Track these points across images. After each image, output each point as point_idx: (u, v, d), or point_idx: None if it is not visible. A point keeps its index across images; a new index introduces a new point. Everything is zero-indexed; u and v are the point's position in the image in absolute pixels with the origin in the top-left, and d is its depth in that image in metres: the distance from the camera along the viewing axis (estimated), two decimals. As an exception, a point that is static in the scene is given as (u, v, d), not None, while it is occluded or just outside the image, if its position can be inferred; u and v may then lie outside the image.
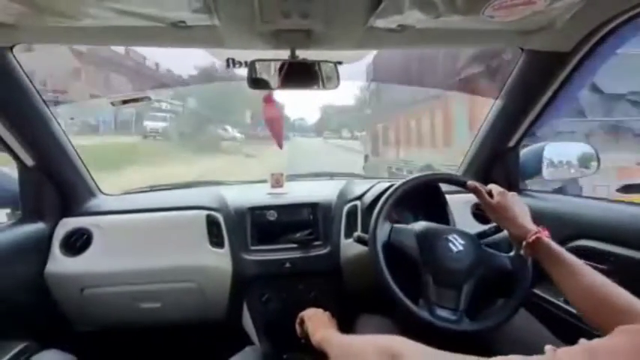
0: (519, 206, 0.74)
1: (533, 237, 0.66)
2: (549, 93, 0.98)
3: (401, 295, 0.75)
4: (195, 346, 1.30)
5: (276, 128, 1.09)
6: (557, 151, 1.15)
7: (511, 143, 1.15)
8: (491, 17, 0.74)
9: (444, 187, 1.09)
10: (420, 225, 0.84)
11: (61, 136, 1.03)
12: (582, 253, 0.87)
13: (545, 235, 0.67)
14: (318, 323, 0.76)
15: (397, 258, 0.78)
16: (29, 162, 1.00)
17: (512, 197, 0.75)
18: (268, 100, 1.03)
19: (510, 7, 0.70)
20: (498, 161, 1.19)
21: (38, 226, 1.03)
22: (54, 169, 1.06)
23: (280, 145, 1.14)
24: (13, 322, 0.89)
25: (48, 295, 1.03)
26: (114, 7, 0.66)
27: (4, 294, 0.87)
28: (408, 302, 0.75)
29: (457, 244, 0.80)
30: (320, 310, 0.83)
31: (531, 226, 0.70)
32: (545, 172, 1.13)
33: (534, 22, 0.80)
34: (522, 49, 0.95)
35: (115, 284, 1.06)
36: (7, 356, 0.85)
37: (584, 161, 1.15)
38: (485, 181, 0.84)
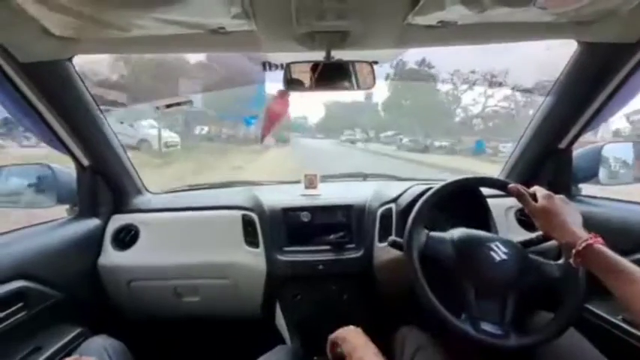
0: (568, 211, 0.67)
1: (584, 244, 0.60)
2: (609, 89, 0.89)
3: (442, 309, 0.71)
4: (231, 341, 1.34)
5: (273, 124, 1.09)
6: (618, 151, 1.04)
7: (562, 144, 1.06)
8: (544, 8, 0.68)
9: (485, 191, 1.03)
10: (459, 232, 0.80)
11: (112, 138, 1.11)
12: None
13: (598, 243, 0.60)
14: (355, 344, 0.72)
15: (435, 268, 0.74)
16: (85, 162, 1.09)
17: (560, 201, 0.68)
18: (284, 95, 1.03)
19: (566, -4, 0.64)
20: (547, 163, 1.11)
21: (93, 222, 1.13)
22: (107, 169, 1.14)
23: (262, 138, 1.15)
24: (70, 310, 0.98)
25: (100, 285, 1.12)
26: (159, 17, 0.70)
27: (62, 282, 0.95)
28: (450, 316, 0.71)
29: (500, 252, 0.74)
30: (352, 328, 0.79)
31: (582, 233, 0.63)
32: (602, 175, 1.03)
33: (594, 12, 0.73)
34: (578, 42, 0.87)
35: (158, 278, 1.13)
36: (64, 340, 0.93)
37: None
38: (532, 185, 0.78)
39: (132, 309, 1.22)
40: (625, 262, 0.57)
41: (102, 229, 1.14)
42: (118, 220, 1.16)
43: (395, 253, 0.94)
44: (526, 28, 0.78)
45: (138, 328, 1.21)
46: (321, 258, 1.12)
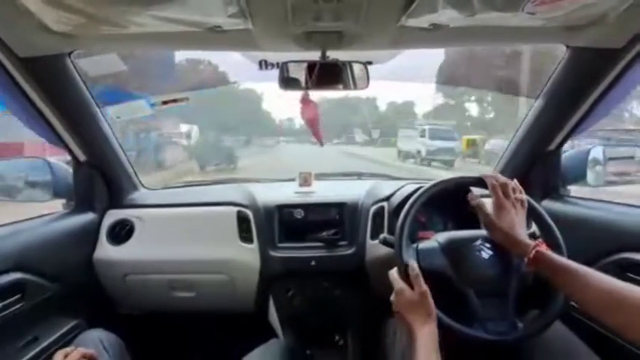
0: (519, 221, 0.72)
1: (534, 252, 0.65)
2: (597, 93, 0.91)
3: (452, 322, 0.71)
4: (225, 335, 1.36)
5: (316, 127, 1.12)
6: (605, 155, 1.06)
7: (552, 146, 1.09)
8: (533, 13, 0.70)
9: (478, 190, 1.05)
10: (444, 237, 0.80)
11: (109, 134, 1.12)
12: (627, 267, 0.80)
13: (543, 248, 0.65)
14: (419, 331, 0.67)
15: (432, 279, 0.73)
16: (82, 157, 1.10)
17: (514, 209, 0.73)
18: (305, 100, 1.04)
19: (554, 1, 0.65)
20: (537, 165, 1.13)
21: (89, 216, 1.13)
22: (103, 165, 1.15)
23: (321, 143, 1.18)
24: (66, 302, 0.99)
25: (96, 279, 1.13)
26: (157, 15, 0.71)
27: (59, 275, 0.96)
28: (461, 327, 0.71)
29: (486, 249, 0.76)
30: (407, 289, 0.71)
31: (528, 241, 0.68)
32: (590, 177, 1.05)
33: (582, 17, 0.74)
34: (567, 46, 0.90)
35: (154, 272, 1.14)
36: (59, 332, 0.95)
37: (635, 166, 1.06)
38: (523, 185, 0.80)
39: (127, 303, 1.23)
40: (569, 262, 0.62)
41: (97, 224, 1.15)
42: (113, 215, 1.17)
43: (386, 250, 0.96)
44: (516, 32, 0.80)
45: (133, 322, 1.22)
46: (313, 254, 1.14)
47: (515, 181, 0.78)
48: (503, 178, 0.77)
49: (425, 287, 0.67)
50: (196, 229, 1.16)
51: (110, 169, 1.17)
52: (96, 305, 1.16)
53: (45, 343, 0.88)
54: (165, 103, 1.16)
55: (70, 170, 1.13)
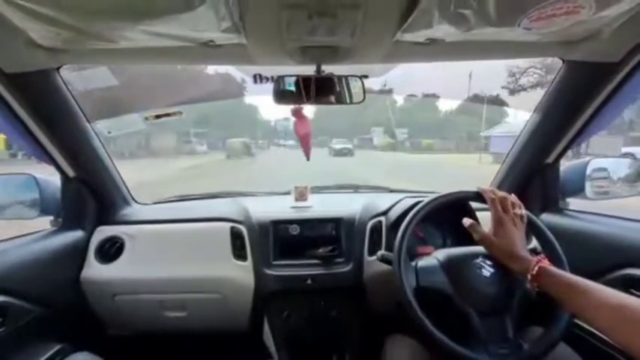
0: (520, 236, 0.71)
1: (536, 268, 0.63)
2: (594, 106, 0.90)
3: (453, 345, 0.69)
4: (218, 356, 1.31)
5: (308, 143, 1.10)
6: (603, 167, 1.06)
7: (549, 159, 1.08)
8: (528, 29, 0.70)
9: (476, 204, 1.03)
10: (443, 254, 0.79)
11: (99, 149, 1.10)
12: (629, 282, 0.78)
13: (546, 264, 0.64)
14: None
15: (432, 298, 0.72)
16: (71, 173, 1.07)
17: (513, 224, 0.72)
18: (299, 115, 1.03)
19: (550, 17, 0.65)
20: (535, 178, 1.12)
21: (77, 234, 1.10)
22: (93, 180, 1.12)
23: (308, 157, 1.16)
24: (51, 325, 0.95)
25: (83, 299, 1.09)
26: (148, 30, 0.69)
27: (43, 297, 0.92)
28: (465, 351, 0.69)
29: (487, 267, 0.74)
30: None
31: (529, 257, 0.67)
32: (589, 190, 1.04)
33: (578, 33, 0.75)
34: (563, 60, 0.90)
35: (144, 292, 1.10)
36: (44, 357, 0.90)
37: (633, 179, 1.05)
38: (521, 198, 0.79)
39: (116, 324, 1.18)
40: (572, 276, 0.61)
41: (86, 241, 1.11)
42: (102, 232, 1.14)
43: (384, 267, 0.93)
44: (512, 46, 0.80)
45: (122, 343, 1.17)
46: (309, 272, 1.11)
47: (513, 195, 0.77)
48: (501, 193, 0.76)
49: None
50: (189, 246, 1.13)
51: (100, 184, 1.14)
52: (83, 327, 1.11)
53: None
54: (158, 117, 1.14)
55: (58, 186, 1.09)
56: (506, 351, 0.69)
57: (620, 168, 1.07)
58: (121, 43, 0.75)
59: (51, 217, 1.11)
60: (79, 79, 0.95)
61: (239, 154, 14.28)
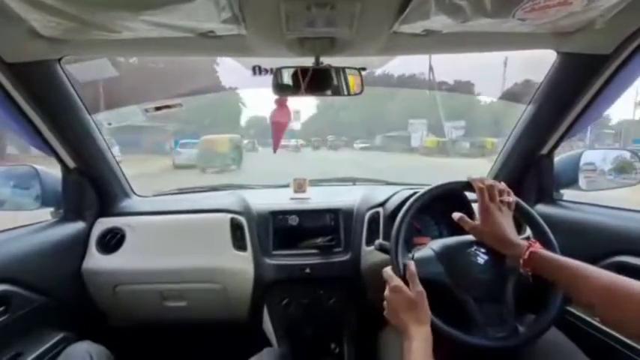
0: (507, 222, 0.73)
1: (528, 252, 0.65)
2: (587, 98, 0.92)
3: (452, 330, 0.70)
4: (218, 345, 1.33)
5: (279, 134, 1.09)
6: (596, 158, 1.08)
7: (544, 150, 1.10)
8: (523, 20, 0.71)
9: (472, 195, 1.05)
10: (438, 244, 0.80)
11: (100, 140, 1.11)
12: (622, 270, 0.81)
13: (537, 247, 0.65)
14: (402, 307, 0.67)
15: (429, 287, 0.72)
16: (71, 164, 1.08)
17: (500, 211, 0.73)
18: (282, 103, 1.03)
19: (543, 8, 0.67)
20: (530, 169, 1.14)
21: (78, 225, 1.11)
22: (93, 172, 1.13)
23: (275, 149, 1.14)
24: (53, 315, 0.96)
25: (84, 290, 1.10)
26: (150, 20, 0.70)
27: (46, 287, 0.93)
28: (463, 335, 0.70)
29: (481, 254, 0.76)
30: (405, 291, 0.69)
31: (521, 242, 0.68)
32: (582, 181, 1.06)
33: (571, 24, 0.76)
34: (557, 52, 0.91)
35: (145, 282, 1.11)
36: (46, 345, 0.92)
37: (626, 170, 1.07)
38: (517, 190, 0.80)
39: (117, 314, 1.20)
40: (565, 259, 0.62)
41: (87, 233, 1.12)
42: (103, 223, 1.15)
43: (382, 256, 0.95)
44: (507, 38, 0.81)
45: (122, 334, 1.19)
46: (308, 261, 1.13)
47: (502, 183, 0.79)
48: (490, 181, 0.77)
49: (421, 288, 0.66)
50: (189, 237, 1.14)
51: (100, 176, 1.15)
52: (84, 317, 1.12)
53: (29, 358, 0.85)
54: (158, 109, 1.15)
55: (59, 177, 1.10)
56: (504, 334, 0.71)
57: (612, 159, 1.09)
58: (122, 33, 0.76)
59: (51, 209, 1.12)
60: (80, 71, 0.95)
61: (217, 161, 8.78)
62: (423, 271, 0.73)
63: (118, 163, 1.20)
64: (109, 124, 1.12)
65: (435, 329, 0.67)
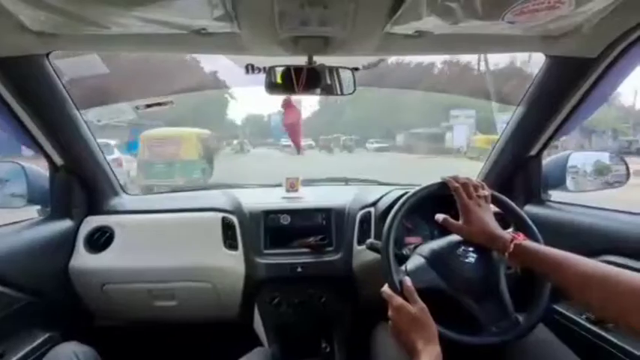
0: (489, 215, 0.73)
1: (513, 245, 0.65)
2: (574, 100, 0.94)
3: (458, 336, 0.69)
4: (208, 345, 1.32)
5: (296, 133, 1.10)
6: (583, 160, 1.10)
7: (533, 152, 1.12)
8: (512, 23, 0.73)
9: None
10: (426, 250, 0.79)
11: (89, 137, 1.09)
12: None
13: (521, 239, 0.66)
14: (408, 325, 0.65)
15: (427, 297, 0.71)
16: (59, 162, 1.06)
17: (479, 206, 0.74)
18: (288, 105, 1.04)
19: (532, 12, 0.68)
20: (519, 171, 1.16)
21: (65, 223, 1.09)
22: (82, 169, 1.11)
23: (299, 150, 1.16)
24: (39, 314, 0.94)
25: (71, 289, 1.08)
26: (141, 16, 0.69)
27: (31, 286, 0.91)
28: (472, 339, 0.70)
29: (470, 254, 0.76)
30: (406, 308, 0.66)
31: (505, 235, 0.68)
32: (569, 182, 1.08)
33: (559, 28, 0.78)
34: (546, 55, 0.93)
35: (134, 281, 1.10)
36: (32, 345, 0.90)
37: (603, 173, 1.09)
38: (506, 191, 0.82)
39: (105, 314, 1.18)
40: (550, 249, 0.62)
41: (75, 231, 1.10)
42: (92, 222, 1.13)
43: (373, 255, 0.95)
44: (497, 40, 0.83)
45: (111, 333, 1.17)
46: (299, 260, 1.13)
47: (475, 178, 0.79)
48: (462, 179, 0.78)
49: (422, 303, 0.65)
50: (179, 236, 1.13)
51: (89, 173, 1.13)
52: (72, 316, 1.10)
53: (13, 359, 0.83)
54: (149, 106, 1.14)
55: (46, 175, 1.08)
56: (507, 327, 0.71)
57: (593, 162, 1.12)
58: (112, 29, 0.75)
59: (38, 207, 1.10)
60: (69, 66, 0.93)
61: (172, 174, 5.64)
62: (418, 282, 0.72)
63: (107, 160, 1.19)
64: (99, 121, 1.10)
65: (443, 338, 0.65)
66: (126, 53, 0.97)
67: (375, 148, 14.16)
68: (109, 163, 1.20)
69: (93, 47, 0.90)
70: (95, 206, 1.17)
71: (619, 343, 0.77)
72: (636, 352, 0.73)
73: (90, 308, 1.14)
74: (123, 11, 0.68)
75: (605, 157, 1.10)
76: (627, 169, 1.05)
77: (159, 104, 1.14)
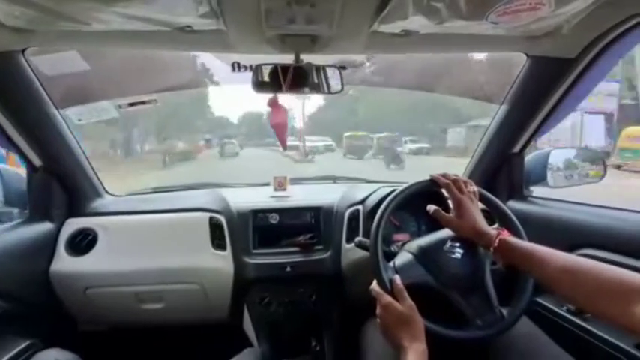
0: (476, 210, 0.75)
1: (498, 240, 0.67)
2: (554, 99, 0.97)
3: (445, 330, 0.71)
4: (196, 347, 1.30)
5: (282, 133, 1.08)
6: (563, 157, 1.14)
7: (516, 149, 1.15)
8: (496, 23, 0.74)
9: None
10: (414, 246, 0.80)
11: (69, 137, 1.05)
12: None
13: (506, 235, 0.67)
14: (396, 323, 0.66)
15: (415, 292, 0.72)
16: (37, 163, 1.02)
17: (470, 200, 0.75)
18: (275, 104, 1.02)
19: (514, 12, 0.70)
20: (503, 167, 1.19)
21: (45, 226, 1.05)
22: (61, 170, 1.08)
23: (284, 148, 1.14)
24: (19, 320, 0.91)
25: (53, 294, 1.05)
26: (123, 13, 0.68)
27: (10, 292, 0.88)
28: (459, 333, 0.71)
29: (456, 250, 0.77)
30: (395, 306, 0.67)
31: (490, 231, 0.70)
32: (550, 179, 1.12)
33: (539, 29, 0.80)
34: (527, 55, 0.95)
35: (119, 284, 1.07)
36: (12, 353, 0.86)
37: (570, 169, 1.13)
38: (490, 187, 0.83)
39: (88, 318, 1.15)
40: (533, 245, 0.64)
41: (55, 234, 1.07)
42: (73, 224, 1.10)
43: (362, 253, 0.96)
44: (481, 40, 0.84)
45: (95, 339, 1.14)
46: (288, 260, 1.13)
47: (461, 175, 0.81)
48: (452, 176, 0.80)
49: (411, 301, 0.66)
50: (166, 237, 1.11)
51: (69, 174, 1.10)
52: (54, 322, 1.07)
53: None
54: (132, 104, 1.11)
55: (24, 176, 1.04)
56: (493, 320, 0.73)
57: (564, 160, 1.16)
58: (92, 25, 0.73)
59: (16, 210, 1.06)
60: (47, 63, 0.90)
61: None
62: (407, 278, 0.73)
63: (89, 160, 1.15)
64: (79, 120, 1.07)
65: (430, 333, 0.66)
66: (109, 50, 0.94)
67: (414, 148, 10.74)
68: (90, 164, 1.16)
69: (71, 44, 0.87)
70: (76, 208, 1.13)
71: (598, 332, 0.80)
72: (613, 340, 0.77)
73: (73, 313, 1.11)
74: (102, 7, 0.66)
75: (583, 154, 1.14)
76: (604, 164, 1.10)
77: (142, 103, 1.11)
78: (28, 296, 0.96)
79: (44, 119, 0.97)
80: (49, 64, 0.91)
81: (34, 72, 0.90)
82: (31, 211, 1.05)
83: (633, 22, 0.73)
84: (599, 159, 1.14)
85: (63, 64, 0.91)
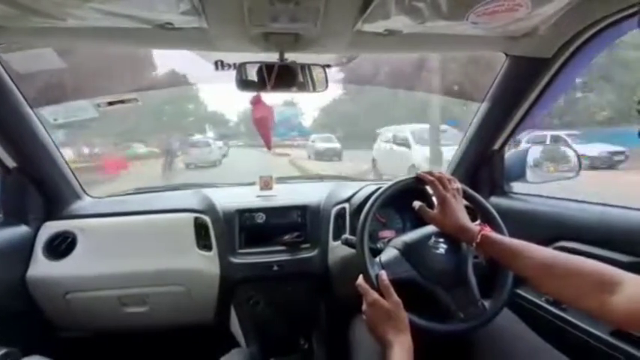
0: (460, 207, 0.77)
1: (480, 236, 0.69)
2: (532, 97, 1.00)
3: (429, 324, 0.72)
4: (183, 351, 1.28)
5: (265, 128, 1.06)
6: (541, 154, 1.18)
7: (496, 146, 1.18)
8: (475, 23, 0.76)
9: None
10: (400, 242, 0.81)
11: (44, 137, 1.01)
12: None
13: (488, 231, 0.70)
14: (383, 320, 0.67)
15: (401, 288, 0.72)
16: (10, 163, 0.98)
17: (453, 197, 0.77)
18: (257, 101, 1.02)
19: (493, 13, 0.72)
20: (484, 164, 1.22)
21: (20, 230, 1.01)
22: (37, 171, 1.04)
23: (269, 147, 1.13)
24: None
25: (30, 300, 1.01)
26: (99, 9, 0.65)
27: None
28: (443, 326, 0.73)
29: (440, 246, 0.79)
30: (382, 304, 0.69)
31: (473, 227, 0.72)
32: (529, 175, 1.16)
33: (517, 29, 0.82)
34: (506, 55, 0.98)
35: (100, 288, 1.04)
36: None
37: (565, 164, 1.18)
38: (473, 183, 0.85)
39: (68, 325, 1.11)
40: (512, 240, 0.66)
41: (32, 238, 1.03)
42: (51, 227, 1.06)
43: (348, 250, 0.97)
44: (462, 39, 0.86)
45: (76, 345, 1.11)
46: (275, 259, 1.12)
47: (445, 172, 0.83)
48: (437, 173, 0.82)
49: (397, 298, 0.68)
50: (149, 239, 1.09)
51: (45, 176, 1.06)
52: (31, 329, 1.03)
53: None
54: (111, 104, 1.08)
55: None
56: (475, 313, 0.75)
57: (557, 155, 1.20)
58: (68, 21, 0.70)
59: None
60: (20, 61, 0.86)
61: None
62: (392, 273, 0.74)
63: (66, 162, 1.11)
64: (55, 119, 1.03)
65: (414, 327, 0.68)
66: (86, 47, 0.91)
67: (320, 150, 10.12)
68: (68, 164, 1.12)
69: (46, 41, 0.84)
70: (54, 211, 1.09)
71: (575, 321, 0.84)
72: (589, 328, 0.80)
73: (52, 319, 1.07)
74: (78, 2, 0.63)
75: (561, 151, 1.19)
76: (579, 161, 1.14)
77: (122, 102, 1.08)
78: (4, 303, 0.92)
79: (17, 119, 0.93)
80: (22, 61, 0.87)
81: (5, 70, 0.86)
82: (5, 215, 1.01)
83: (605, 23, 0.76)
84: (574, 154, 1.18)
85: (37, 61, 0.88)
